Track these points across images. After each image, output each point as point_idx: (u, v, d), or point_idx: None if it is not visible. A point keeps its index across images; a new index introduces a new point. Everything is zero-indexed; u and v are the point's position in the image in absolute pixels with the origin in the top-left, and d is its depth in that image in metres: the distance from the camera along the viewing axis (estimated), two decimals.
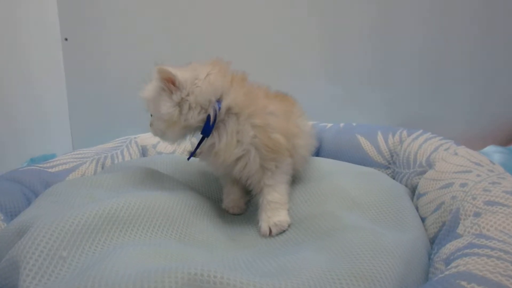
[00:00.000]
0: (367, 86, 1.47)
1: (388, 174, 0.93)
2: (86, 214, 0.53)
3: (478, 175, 0.66)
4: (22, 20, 1.29)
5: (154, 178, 0.76)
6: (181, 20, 1.43)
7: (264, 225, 0.66)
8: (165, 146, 1.16)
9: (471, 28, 1.41)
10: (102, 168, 0.93)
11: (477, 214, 0.56)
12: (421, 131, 0.94)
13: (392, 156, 0.94)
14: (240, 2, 1.41)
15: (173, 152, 1.15)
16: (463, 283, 0.41)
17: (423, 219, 0.71)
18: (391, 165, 0.93)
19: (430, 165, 0.80)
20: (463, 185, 0.66)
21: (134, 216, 0.57)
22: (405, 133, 0.95)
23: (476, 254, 0.47)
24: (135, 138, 1.15)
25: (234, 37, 1.41)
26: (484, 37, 1.42)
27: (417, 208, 0.75)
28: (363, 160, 0.97)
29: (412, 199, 0.79)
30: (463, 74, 1.46)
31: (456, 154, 0.78)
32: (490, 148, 1.32)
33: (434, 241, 0.63)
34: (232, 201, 0.77)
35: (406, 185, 0.86)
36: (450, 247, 0.53)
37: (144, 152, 1.14)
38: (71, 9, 1.41)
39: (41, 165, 0.86)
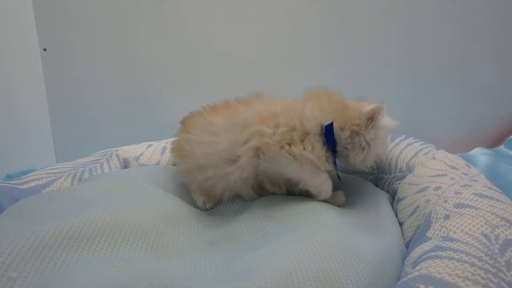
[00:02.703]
0: (357, 90, 1.51)
1: (371, 180, 0.97)
2: (43, 233, 0.54)
3: (452, 178, 0.70)
4: None
5: (128, 189, 0.77)
6: (167, 29, 1.45)
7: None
8: (148, 158, 1.16)
9: (457, 31, 1.46)
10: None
11: (446, 217, 0.60)
12: (404, 136, 0.98)
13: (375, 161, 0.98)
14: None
15: (158, 163, 1.16)
16: (422, 286, 0.45)
17: (401, 224, 0.74)
18: (374, 171, 0.97)
19: (409, 169, 0.84)
20: (437, 188, 0.69)
21: (99, 231, 0.58)
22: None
23: (439, 257, 0.50)
24: (116, 150, 1.15)
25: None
26: (472, 39, 1.47)
27: (396, 213, 0.78)
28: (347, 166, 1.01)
29: (392, 204, 0.83)
30: (450, 77, 1.50)
31: (434, 158, 0.82)
32: (476, 150, 1.36)
33: (408, 245, 0.66)
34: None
35: (387, 190, 0.89)
36: (419, 250, 0.56)
37: (126, 165, 1.14)
38: (49, 18, 1.44)
39: (12, 182, 0.85)
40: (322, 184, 0.75)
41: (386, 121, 0.77)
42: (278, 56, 1.49)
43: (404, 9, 1.45)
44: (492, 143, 1.52)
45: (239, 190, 0.79)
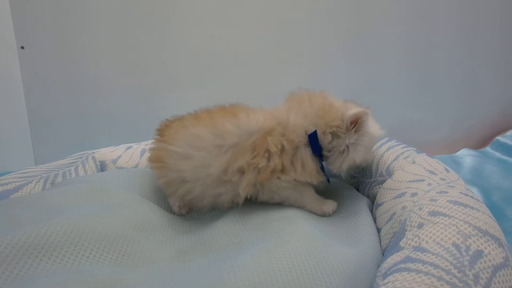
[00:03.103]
0: (343, 90, 1.50)
1: (353, 184, 0.96)
2: (4, 243, 0.51)
3: (429, 184, 0.69)
4: None
5: (98, 195, 0.75)
6: (152, 26, 1.43)
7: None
8: (126, 161, 1.13)
9: (446, 32, 1.45)
10: None
11: (420, 226, 0.58)
12: (386, 138, 0.96)
13: None
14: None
15: (136, 166, 1.14)
16: None
17: (379, 230, 0.73)
18: (357, 174, 0.95)
19: (389, 174, 0.82)
20: (413, 194, 0.68)
21: (60, 241, 0.56)
22: None
23: (407, 269, 0.49)
24: (92, 153, 1.12)
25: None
26: (460, 41, 1.47)
27: (375, 219, 0.77)
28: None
29: (372, 209, 0.81)
30: (438, 79, 1.49)
31: (414, 162, 0.80)
32: (463, 151, 1.36)
33: (384, 253, 0.65)
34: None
35: (368, 195, 0.88)
36: (390, 261, 0.55)
37: (102, 168, 1.11)
38: (26, 16, 1.41)
39: None
40: (323, 206, 0.76)
41: (371, 128, 0.75)
42: (278, 56, 1.48)
43: (400, 11, 1.44)
44: (480, 144, 1.51)
45: (223, 205, 0.77)
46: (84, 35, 1.43)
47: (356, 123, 0.71)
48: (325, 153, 0.74)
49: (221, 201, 0.74)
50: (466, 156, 1.31)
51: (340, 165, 0.74)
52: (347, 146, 0.73)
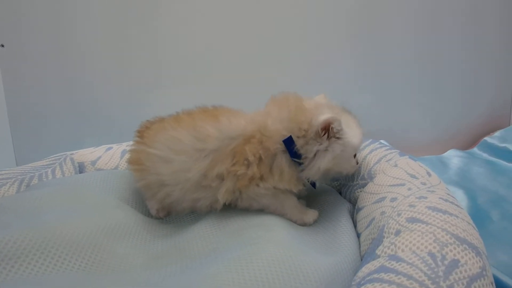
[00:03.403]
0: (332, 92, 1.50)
1: (336, 187, 0.94)
2: None
3: (409, 189, 0.68)
4: None
5: (72, 198, 0.74)
6: (128, 27, 1.41)
7: None
8: (106, 162, 1.11)
9: (430, 31, 1.44)
10: None
11: (397, 233, 0.57)
12: (369, 140, 0.95)
13: None
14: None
15: (116, 167, 1.12)
16: None
17: (358, 235, 0.72)
18: (340, 177, 0.94)
19: (371, 177, 0.81)
20: (393, 199, 0.67)
21: (24, 250, 0.54)
22: None
23: (380, 280, 0.47)
24: (71, 154, 1.09)
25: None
26: (445, 41, 1.46)
27: (356, 224, 0.76)
28: None
29: (353, 214, 0.80)
30: (428, 80, 1.49)
31: (396, 165, 0.79)
32: (450, 152, 1.35)
33: (362, 259, 0.64)
34: None
35: (349, 198, 0.87)
36: (365, 269, 0.54)
37: (81, 169, 1.09)
38: (6, 13, 1.38)
39: None
40: (304, 216, 0.75)
41: (348, 135, 0.70)
42: (265, 56, 1.46)
43: (392, 14, 1.43)
44: (469, 144, 1.51)
45: (202, 210, 0.76)
46: (66, 34, 1.41)
47: (327, 130, 0.67)
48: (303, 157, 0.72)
49: (200, 205, 0.73)
50: (454, 157, 1.30)
51: (312, 173, 0.69)
52: (318, 152, 0.69)
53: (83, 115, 1.47)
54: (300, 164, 0.70)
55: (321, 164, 0.68)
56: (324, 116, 0.66)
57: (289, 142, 0.68)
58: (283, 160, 0.70)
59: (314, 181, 0.76)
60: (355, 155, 0.76)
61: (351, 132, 0.71)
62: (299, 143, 0.69)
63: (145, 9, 1.39)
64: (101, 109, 1.46)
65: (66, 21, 1.39)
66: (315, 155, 0.69)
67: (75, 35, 1.41)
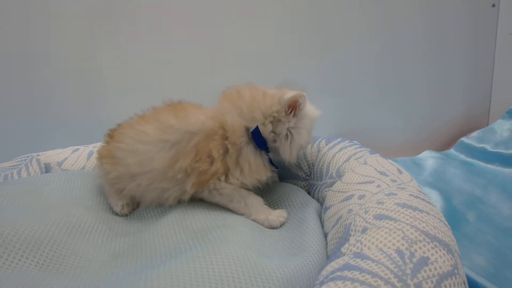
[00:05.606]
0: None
1: (304, 187, 0.90)
2: None
3: (378, 186, 0.64)
4: None
5: (30, 197, 0.72)
6: (94, 30, 1.36)
7: None
8: (72, 163, 1.08)
9: (404, 31, 1.43)
10: None
11: (364, 230, 0.53)
12: (339, 139, 0.91)
13: (309, 167, 0.91)
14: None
15: (83, 168, 1.08)
16: None
17: (326, 235, 0.68)
18: (308, 177, 0.90)
19: (339, 176, 0.77)
20: (361, 197, 0.63)
21: None
22: (323, 142, 0.91)
23: (343, 278, 0.43)
24: (37, 155, 1.06)
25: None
26: (420, 40, 1.45)
27: (323, 223, 0.72)
28: (282, 171, 0.93)
29: (321, 213, 0.76)
30: (404, 81, 1.47)
31: (365, 163, 0.75)
32: (425, 153, 1.32)
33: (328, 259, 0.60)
34: None
35: (318, 198, 0.83)
36: (329, 268, 0.49)
37: (47, 170, 1.05)
38: None
39: None
40: (270, 217, 0.73)
41: (309, 110, 0.75)
42: (234, 58, 1.41)
43: (364, 15, 1.41)
44: (446, 145, 1.49)
45: (169, 201, 0.75)
46: (30, 35, 1.35)
47: (293, 107, 0.70)
48: (270, 145, 0.73)
49: (167, 196, 0.73)
50: (429, 158, 1.27)
51: (290, 151, 0.73)
52: (289, 131, 0.72)
53: (48, 117, 1.40)
54: (267, 150, 0.74)
55: (302, 140, 0.73)
56: (290, 94, 0.70)
57: (257, 133, 0.71)
58: (248, 150, 0.71)
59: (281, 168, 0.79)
60: None
61: (310, 106, 0.76)
62: (267, 129, 0.71)
63: (113, 14, 1.35)
64: (67, 112, 1.40)
65: (26, 19, 1.34)
66: (286, 134, 0.72)
67: (39, 38, 1.34)
